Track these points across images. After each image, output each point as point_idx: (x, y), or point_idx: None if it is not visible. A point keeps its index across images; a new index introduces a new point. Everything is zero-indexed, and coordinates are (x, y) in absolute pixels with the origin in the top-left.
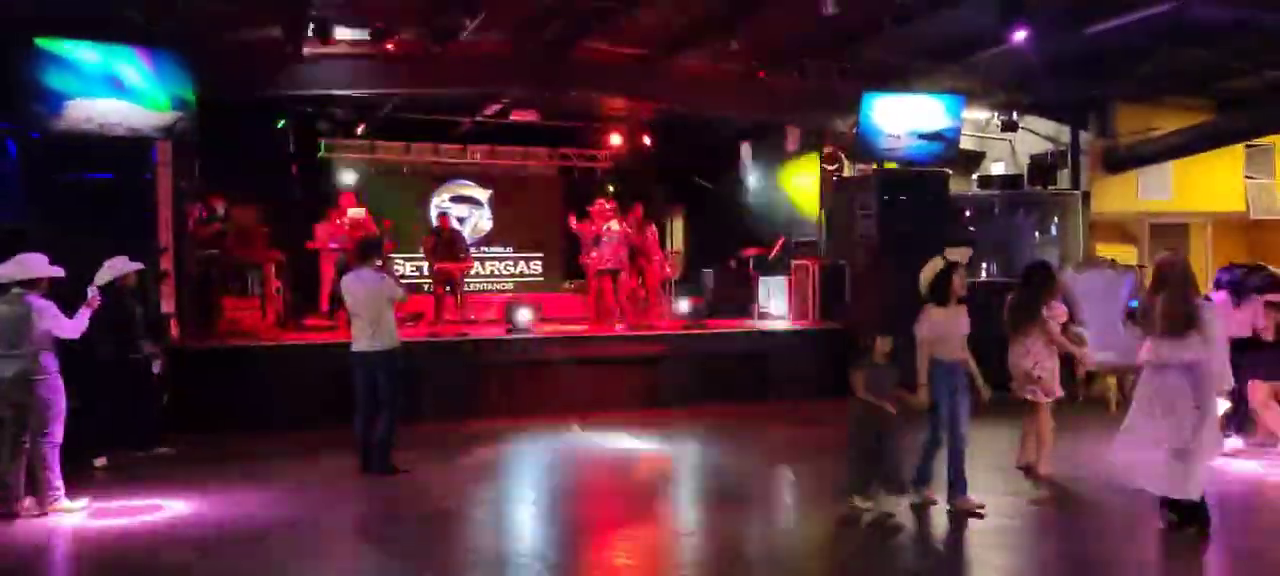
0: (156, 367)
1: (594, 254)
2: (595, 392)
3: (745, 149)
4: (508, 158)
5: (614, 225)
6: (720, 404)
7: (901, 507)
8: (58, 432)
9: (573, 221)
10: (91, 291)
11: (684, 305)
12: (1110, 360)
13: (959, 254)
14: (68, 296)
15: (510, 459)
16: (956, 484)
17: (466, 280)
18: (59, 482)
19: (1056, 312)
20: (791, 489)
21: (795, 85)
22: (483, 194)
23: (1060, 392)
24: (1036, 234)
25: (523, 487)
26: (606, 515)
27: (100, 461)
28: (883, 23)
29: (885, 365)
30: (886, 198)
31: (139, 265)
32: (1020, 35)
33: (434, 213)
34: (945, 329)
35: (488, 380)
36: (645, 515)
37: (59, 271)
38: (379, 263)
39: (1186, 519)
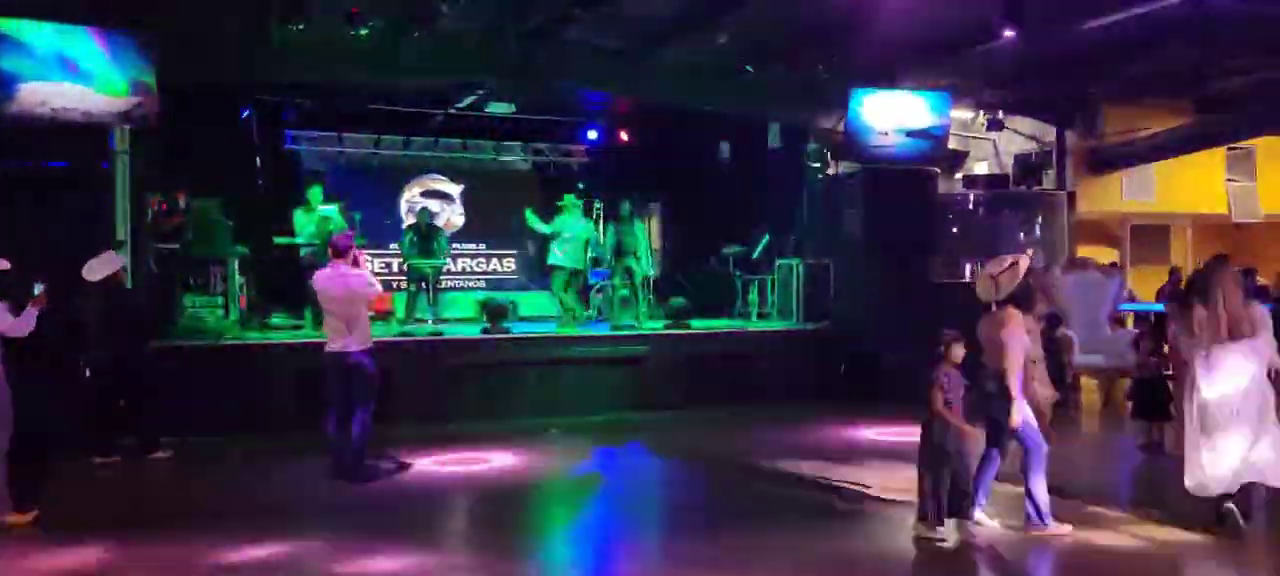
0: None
1: (558, 252)
2: (575, 394)
3: (725, 145)
4: (480, 152)
5: (578, 222)
6: (704, 405)
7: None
8: (4, 440)
9: (532, 218)
10: (39, 288)
11: (668, 305)
12: (1096, 363)
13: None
14: (18, 293)
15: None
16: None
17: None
18: (5, 492)
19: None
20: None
21: (780, 81)
22: (455, 189)
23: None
24: (1021, 234)
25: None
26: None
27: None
28: (874, 15)
29: (959, 375)
30: (874, 196)
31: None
32: (1009, 33)
33: (404, 207)
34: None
35: (463, 382)
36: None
37: (4, 264)
38: (352, 259)
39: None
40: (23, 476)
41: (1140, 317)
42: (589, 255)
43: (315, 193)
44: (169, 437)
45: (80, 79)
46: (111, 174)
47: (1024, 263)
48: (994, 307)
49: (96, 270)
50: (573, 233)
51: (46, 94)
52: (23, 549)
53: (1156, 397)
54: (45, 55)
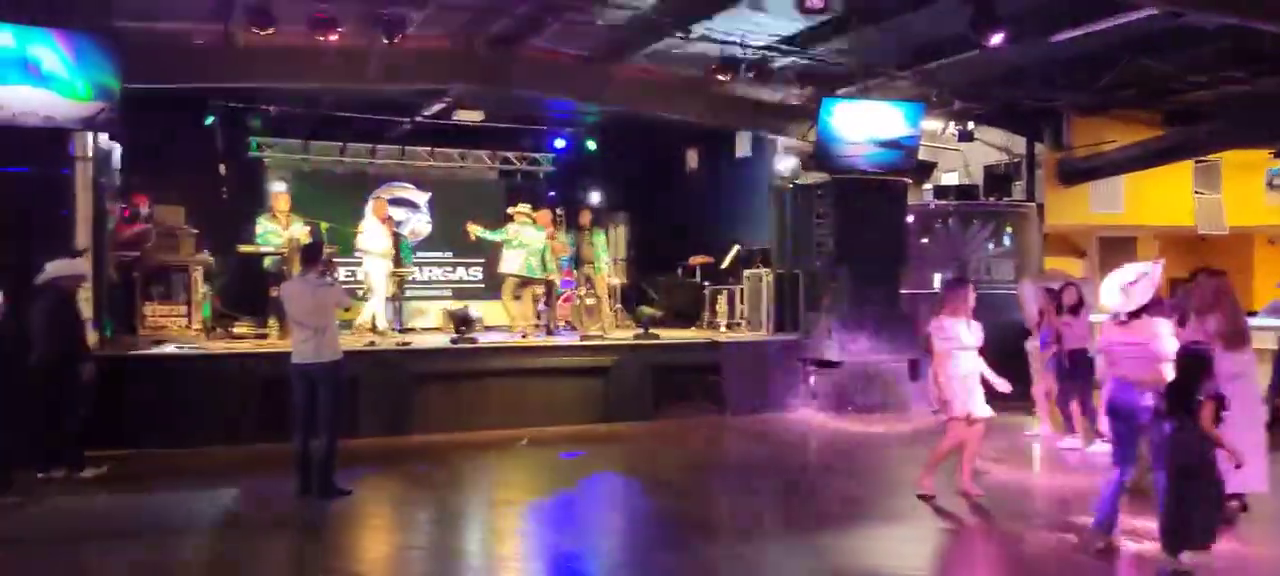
0: (86, 377)
1: (507, 259)
2: (543, 405)
3: (692, 154)
4: (447, 160)
5: (527, 230)
6: (673, 416)
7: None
8: None
9: (473, 228)
10: None
11: (635, 315)
12: None
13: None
14: None
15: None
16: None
17: (405, 287)
18: None
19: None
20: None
21: (749, 90)
22: (421, 197)
23: (965, 411)
24: (990, 245)
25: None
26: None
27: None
28: (848, 24)
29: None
30: (844, 206)
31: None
32: (996, 39)
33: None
34: None
35: (430, 392)
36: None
37: None
38: (322, 268)
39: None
40: None
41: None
42: (541, 263)
43: (281, 201)
44: (129, 450)
45: (42, 82)
46: (72, 179)
47: (1157, 272)
48: (1124, 317)
49: (46, 273)
50: (522, 241)
51: (6, 98)
52: None
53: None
54: (6, 58)
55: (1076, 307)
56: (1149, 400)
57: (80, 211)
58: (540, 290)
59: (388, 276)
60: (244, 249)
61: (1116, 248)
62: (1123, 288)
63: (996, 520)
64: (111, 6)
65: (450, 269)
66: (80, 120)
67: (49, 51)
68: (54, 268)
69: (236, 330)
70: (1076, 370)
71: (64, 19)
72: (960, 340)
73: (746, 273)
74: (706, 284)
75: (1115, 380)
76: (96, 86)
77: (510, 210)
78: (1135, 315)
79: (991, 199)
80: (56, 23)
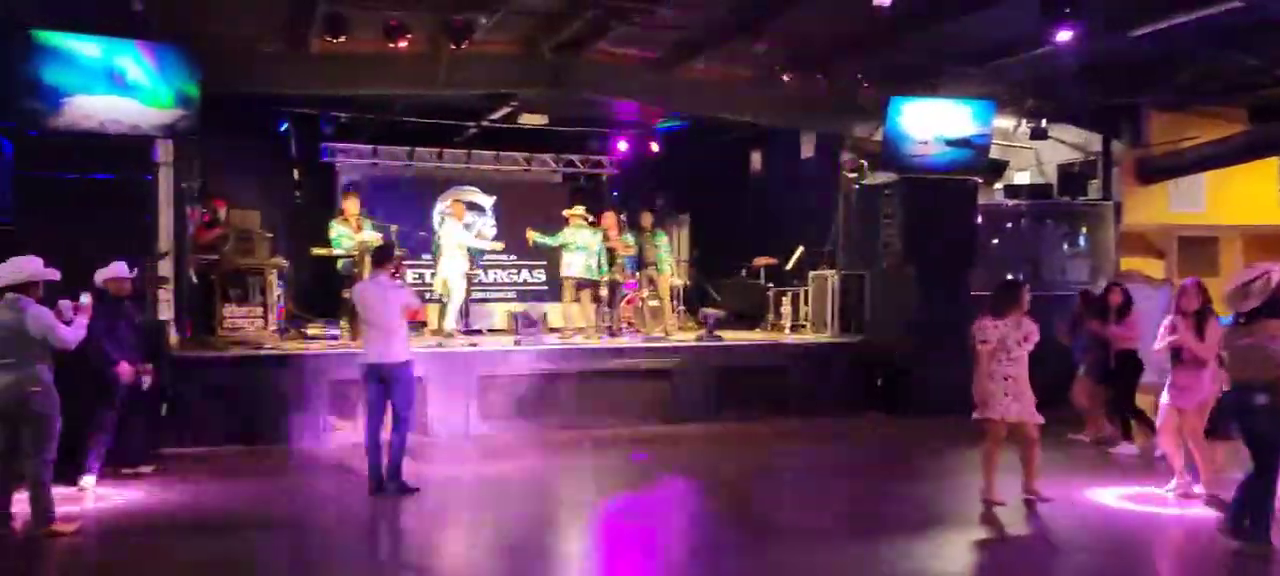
0: (145, 383)
1: (567, 262)
2: (606, 406)
3: (756, 155)
4: (512, 163)
5: (583, 232)
6: (737, 420)
7: None
8: (52, 449)
9: (531, 234)
10: (85, 297)
11: (700, 317)
12: (1147, 380)
13: None
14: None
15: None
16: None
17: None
18: (52, 502)
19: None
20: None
21: (815, 89)
22: (487, 200)
23: (1000, 414)
24: (1065, 246)
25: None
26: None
27: (87, 480)
28: (919, 23)
29: None
30: (912, 206)
31: (133, 272)
32: (1064, 36)
33: (437, 219)
34: None
35: (496, 393)
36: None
37: (55, 274)
38: (393, 270)
39: None
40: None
41: None
42: (598, 265)
43: (352, 205)
44: (207, 448)
45: (126, 92)
46: (155, 185)
47: (1277, 272)
48: (1242, 318)
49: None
50: (579, 243)
51: (93, 107)
52: None
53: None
54: (93, 69)
55: (1123, 309)
56: (1262, 400)
57: (162, 216)
58: (603, 292)
59: (462, 277)
60: (316, 252)
61: (1197, 248)
62: (1241, 287)
63: (1055, 526)
64: (191, 17)
65: (514, 271)
66: (162, 127)
67: (132, 62)
68: (99, 274)
69: (309, 331)
70: (1122, 371)
71: (146, 30)
72: (1001, 342)
73: (811, 274)
74: (771, 285)
75: (1233, 381)
76: (177, 94)
77: (565, 213)
78: (1253, 316)
79: (1066, 198)
80: (140, 34)
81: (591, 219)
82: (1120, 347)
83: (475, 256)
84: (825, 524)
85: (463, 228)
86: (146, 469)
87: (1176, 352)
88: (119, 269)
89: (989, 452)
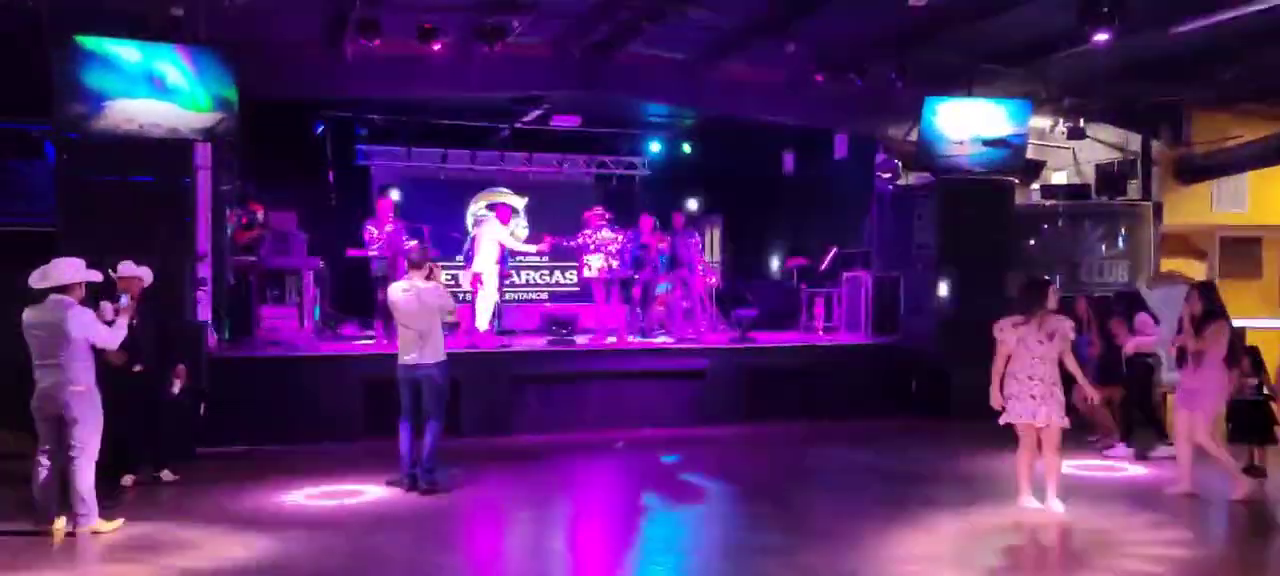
0: (176, 388)
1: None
2: (638, 407)
3: (789, 157)
4: (544, 165)
5: (603, 232)
6: (769, 421)
7: None
8: (94, 448)
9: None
10: (124, 298)
11: (733, 318)
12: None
13: None
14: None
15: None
16: None
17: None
18: (93, 501)
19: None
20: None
21: (848, 90)
22: (519, 201)
23: (1018, 418)
24: (1103, 247)
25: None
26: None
27: (128, 480)
28: (954, 21)
29: None
30: (947, 207)
31: (144, 270)
32: (1101, 37)
33: (470, 220)
34: None
35: (528, 393)
36: None
37: (96, 275)
38: (427, 272)
39: None
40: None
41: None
42: (618, 264)
43: (386, 207)
44: (243, 447)
45: (166, 96)
46: (194, 188)
47: None
48: None
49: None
50: (597, 243)
51: (134, 111)
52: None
53: (1258, 421)
54: (133, 73)
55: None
56: None
57: (200, 219)
58: (634, 292)
59: (495, 277)
60: (352, 253)
61: (1240, 249)
62: None
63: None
64: (229, 22)
65: (547, 271)
66: (201, 131)
67: (172, 66)
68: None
69: (344, 332)
70: (1132, 373)
71: (186, 35)
72: (1021, 343)
73: (845, 275)
74: (803, 286)
75: None
76: (216, 98)
77: (586, 215)
78: None
79: (1104, 198)
80: (179, 38)
81: (609, 219)
82: (1133, 352)
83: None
84: (859, 527)
85: (502, 227)
86: (169, 475)
87: (1182, 356)
88: (126, 268)
89: (1021, 458)
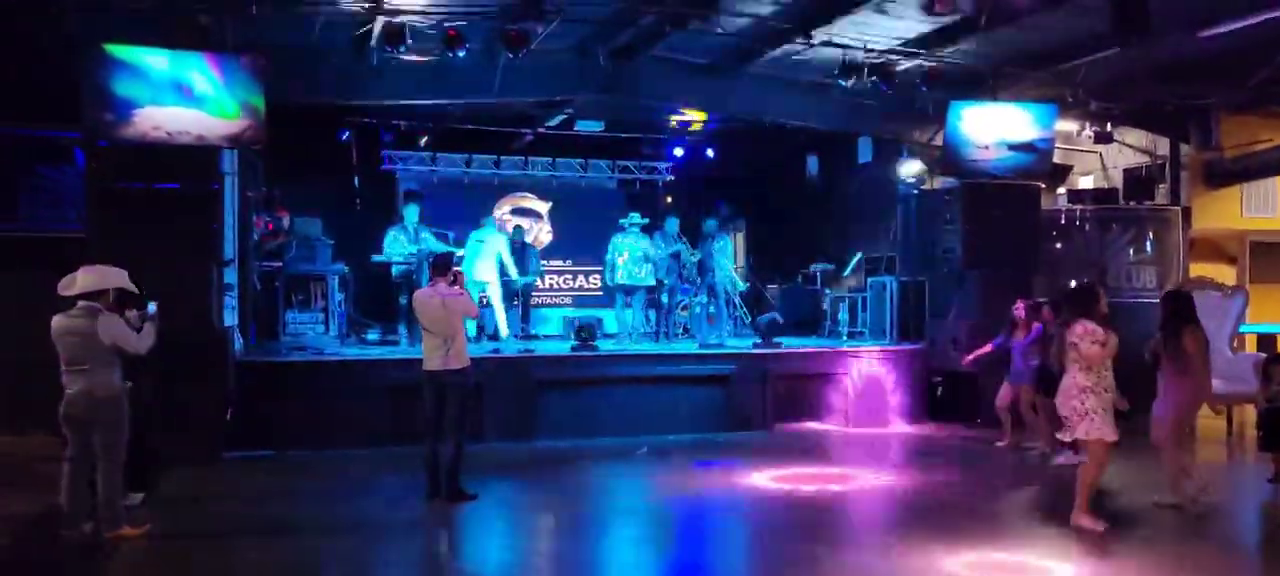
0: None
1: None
2: (663, 413)
3: (812, 160)
4: (568, 170)
5: (631, 237)
6: (794, 425)
7: None
8: (121, 454)
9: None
10: (152, 305)
11: (758, 323)
12: (1217, 389)
13: None
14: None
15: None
16: None
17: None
18: (121, 505)
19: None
20: None
21: (873, 93)
22: (543, 206)
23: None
24: (1131, 251)
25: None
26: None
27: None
28: (978, 25)
29: None
30: (973, 212)
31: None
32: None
33: (495, 225)
34: None
35: (552, 399)
36: None
37: (126, 282)
38: (451, 278)
39: None
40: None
41: (1264, 341)
42: (657, 272)
43: (411, 212)
44: (269, 452)
45: (194, 103)
46: (221, 194)
47: None
48: None
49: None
50: (632, 251)
51: (161, 118)
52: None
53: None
54: (161, 80)
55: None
56: None
57: (227, 224)
58: (660, 298)
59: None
60: (376, 259)
61: (1271, 253)
62: None
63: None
64: (257, 29)
65: (571, 277)
66: (228, 137)
67: (199, 73)
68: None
69: (369, 337)
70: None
71: (213, 43)
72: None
73: (870, 280)
74: (828, 292)
75: None
76: (242, 105)
77: (621, 222)
78: None
79: (1131, 202)
80: (207, 46)
81: (639, 225)
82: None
83: (532, 263)
84: (887, 535)
85: (506, 240)
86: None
87: (1155, 362)
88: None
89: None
